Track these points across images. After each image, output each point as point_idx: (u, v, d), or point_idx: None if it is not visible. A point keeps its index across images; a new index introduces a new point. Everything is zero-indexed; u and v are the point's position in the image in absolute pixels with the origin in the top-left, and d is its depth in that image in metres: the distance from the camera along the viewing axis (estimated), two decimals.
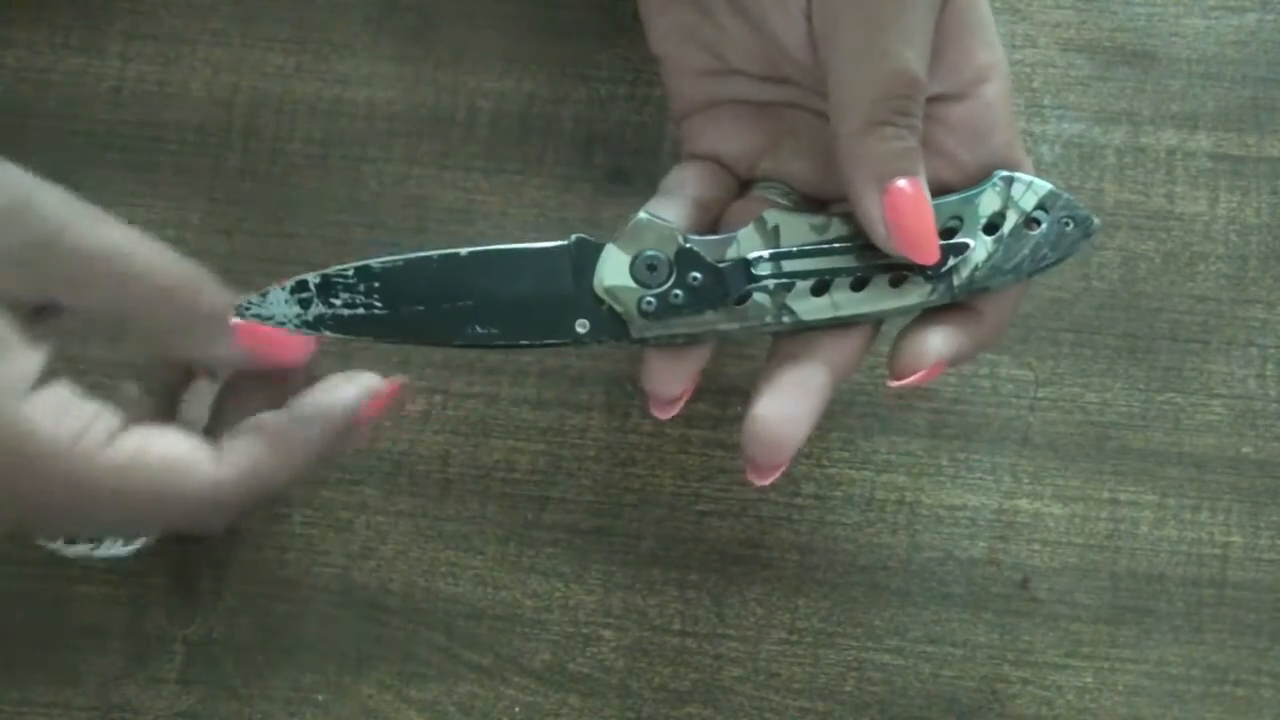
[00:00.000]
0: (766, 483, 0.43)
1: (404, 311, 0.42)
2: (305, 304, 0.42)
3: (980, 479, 0.49)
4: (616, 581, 0.49)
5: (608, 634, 0.48)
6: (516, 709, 0.47)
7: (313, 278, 0.41)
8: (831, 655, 0.48)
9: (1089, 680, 0.48)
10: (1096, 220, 0.43)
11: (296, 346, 0.42)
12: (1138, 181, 0.52)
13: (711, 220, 0.45)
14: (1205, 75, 0.53)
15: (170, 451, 0.40)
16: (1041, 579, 0.49)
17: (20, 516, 0.41)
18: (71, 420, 0.39)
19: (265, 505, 0.44)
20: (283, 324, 0.42)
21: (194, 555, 0.48)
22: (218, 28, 0.53)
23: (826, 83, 0.42)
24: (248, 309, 0.42)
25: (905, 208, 0.41)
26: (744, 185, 0.46)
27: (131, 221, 0.51)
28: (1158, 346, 0.51)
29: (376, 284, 0.42)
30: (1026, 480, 0.49)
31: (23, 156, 0.52)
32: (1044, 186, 0.43)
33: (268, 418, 0.42)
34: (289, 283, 0.42)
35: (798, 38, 0.43)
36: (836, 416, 0.50)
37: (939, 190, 0.43)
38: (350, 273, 0.42)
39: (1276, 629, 0.48)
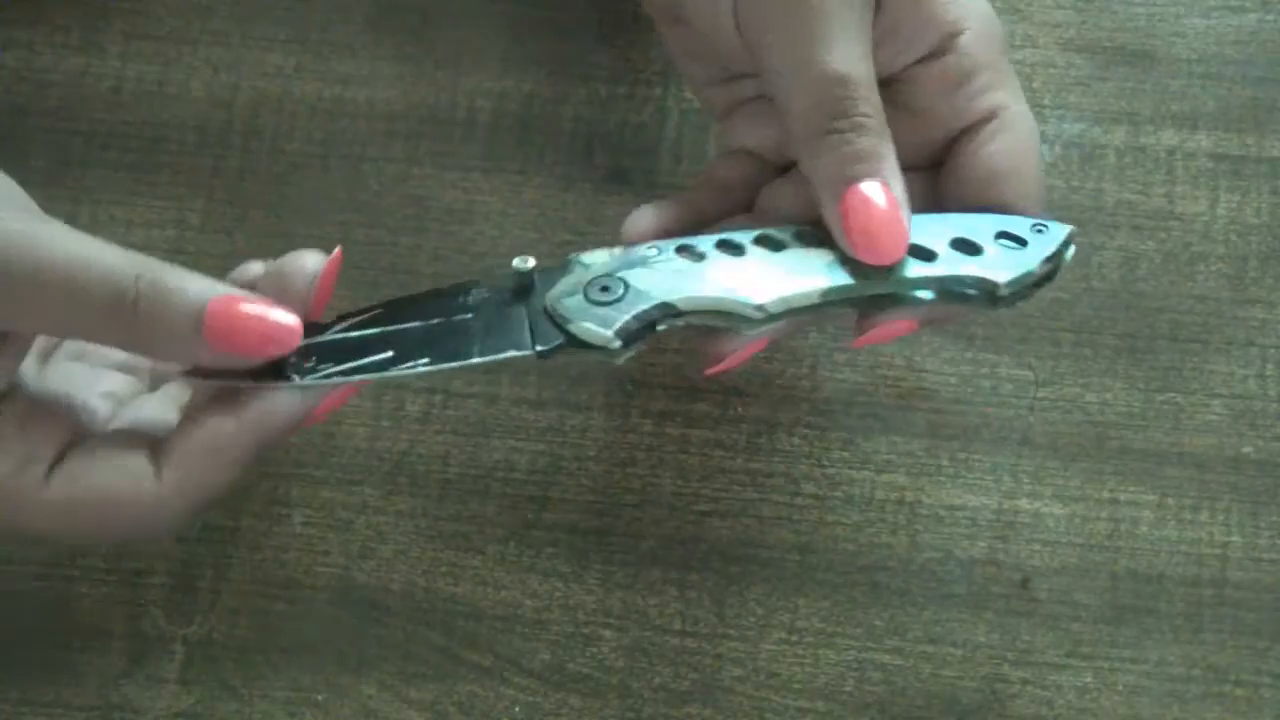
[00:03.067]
0: (715, 371, 0.43)
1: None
2: None
3: (980, 479, 0.49)
4: (616, 581, 0.49)
5: (608, 634, 0.48)
6: (516, 709, 0.47)
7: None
8: (831, 655, 0.48)
9: (1089, 680, 0.48)
10: (1004, 291, 0.41)
11: (283, 336, 0.39)
12: (1138, 181, 0.52)
13: (744, 202, 0.45)
14: (1205, 75, 0.53)
15: (109, 479, 0.40)
16: (1041, 579, 0.49)
17: None
18: (2, 459, 0.39)
19: (211, 506, 0.42)
20: None
21: (194, 555, 0.48)
22: (218, 28, 0.53)
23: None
24: None
25: (859, 210, 0.41)
26: (782, 171, 0.46)
27: (131, 222, 0.51)
28: (1158, 346, 0.50)
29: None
30: (1026, 480, 0.49)
31: (23, 156, 0.52)
32: (1028, 267, 0.42)
33: (211, 423, 0.40)
34: None
35: (741, 52, 0.43)
36: (836, 416, 0.50)
37: (922, 148, 0.43)
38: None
39: (1276, 629, 0.48)
